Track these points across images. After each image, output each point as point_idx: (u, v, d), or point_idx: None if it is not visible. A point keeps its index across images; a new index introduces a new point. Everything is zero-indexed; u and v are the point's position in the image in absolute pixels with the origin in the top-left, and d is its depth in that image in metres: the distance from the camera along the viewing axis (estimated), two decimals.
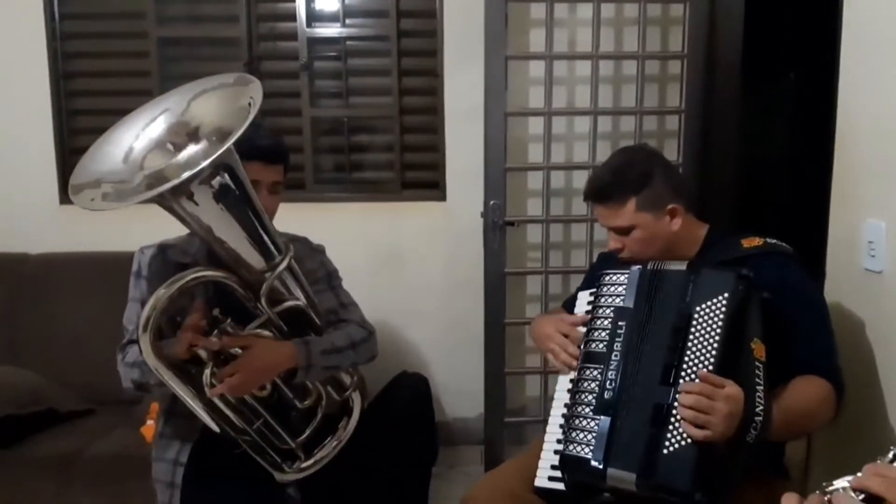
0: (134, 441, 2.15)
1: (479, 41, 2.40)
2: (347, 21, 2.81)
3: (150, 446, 1.76)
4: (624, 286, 1.49)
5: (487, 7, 2.36)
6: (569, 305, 1.73)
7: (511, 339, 2.63)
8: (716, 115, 2.57)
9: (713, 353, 1.31)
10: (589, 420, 1.40)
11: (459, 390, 2.85)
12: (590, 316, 1.53)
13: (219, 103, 1.44)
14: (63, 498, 2.11)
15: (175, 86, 1.50)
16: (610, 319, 1.48)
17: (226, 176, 1.33)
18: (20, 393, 2.27)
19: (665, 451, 1.28)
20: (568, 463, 1.41)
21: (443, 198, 2.84)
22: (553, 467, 1.46)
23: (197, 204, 1.32)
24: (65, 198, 2.80)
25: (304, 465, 1.64)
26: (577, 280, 2.58)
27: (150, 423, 2.13)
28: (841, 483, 0.79)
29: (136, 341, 1.43)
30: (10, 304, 2.58)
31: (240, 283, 1.48)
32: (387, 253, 2.85)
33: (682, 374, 1.31)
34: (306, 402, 1.66)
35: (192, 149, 1.39)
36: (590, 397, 1.42)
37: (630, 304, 1.46)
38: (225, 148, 1.27)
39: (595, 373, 1.44)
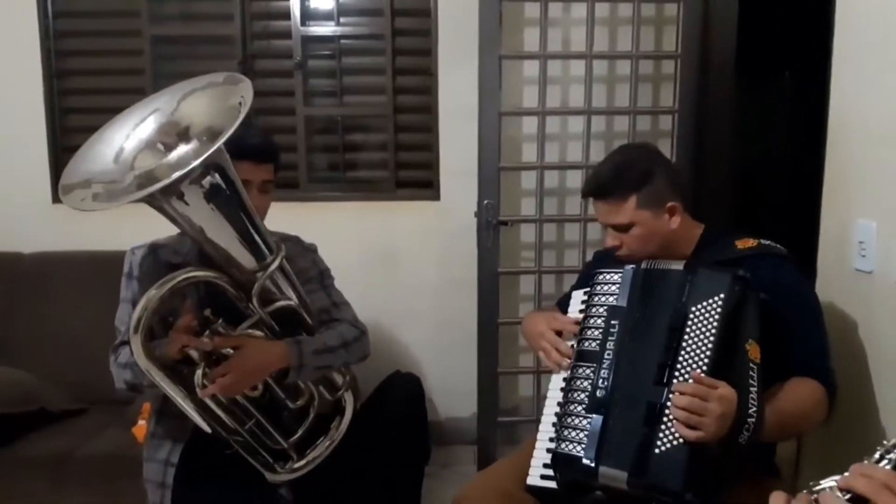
0: (126, 441, 2.16)
1: (474, 40, 2.40)
2: (342, 20, 2.81)
3: (141, 446, 1.76)
4: (617, 285, 1.49)
5: (482, 6, 2.36)
6: (563, 304, 1.73)
7: (504, 339, 2.63)
8: (710, 114, 2.58)
9: (708, 353, 1.31)
10: (581, 418, 1.40)
11: (452, 390, 2.85)
12: (582, 315, 1.53)
13: (209, 103, 1.43)
14: (55, 497, 2.12)
15: (169, 84, 1.50)
16: (603, 318, 1.48)
17: (216, 176, 1.33)
18: (12, 392, 2.27)
19: (657, 451, 1.28)
20: (560, 461, 1.41)
21: (437, 197, 2.84)
22: (545, 466, 1.46)
23: (187, 204, 1.31)
24: (58, 197, 2.77)
25: (296, 465, 1.63)
26: (570, 280, 2.58)
27: (141, 423, 2.13)
28: (828, 483, 0.79)
29: (128, 342, 1.42)
30: (3, 303, 2.58)
31: (231, 283, 1.48)
32: (381, 252, 2.85)
33: (676, 373, 1.32)
34: (298, 402, 1.65)
35: (182, 149, 1.39)
36: (582, 396, 1.42)
37: (623, 304, 1.46)
38: (215, 148, 1.26)
39: (588, 371, 1.44)
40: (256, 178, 1.64)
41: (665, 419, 1.29)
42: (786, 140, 4.19)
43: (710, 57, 2.54)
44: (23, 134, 2.79)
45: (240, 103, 1.32)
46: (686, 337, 1.34)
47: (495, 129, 2.43)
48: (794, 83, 4.20)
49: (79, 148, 1.41)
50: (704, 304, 1.35)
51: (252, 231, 1.45)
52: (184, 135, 1.41)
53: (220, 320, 1.50)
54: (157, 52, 2.80)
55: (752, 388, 1.29)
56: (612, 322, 1.46)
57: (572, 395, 1.44)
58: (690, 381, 1.28)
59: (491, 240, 2.48)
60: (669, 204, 1.52)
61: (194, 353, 1.47)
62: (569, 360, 1.50)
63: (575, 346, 1.51)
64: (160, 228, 1.54)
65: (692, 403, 1.24)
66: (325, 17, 2.81)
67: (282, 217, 1.77)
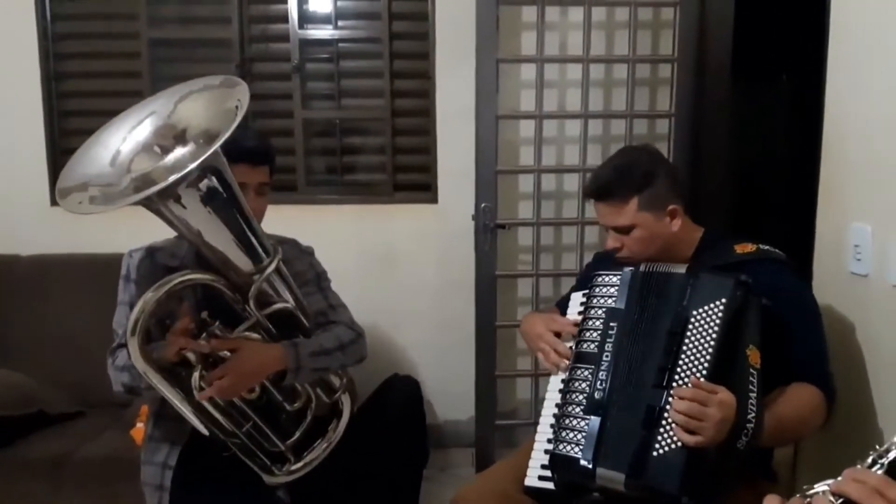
0: (124, 443, 2.16)
1: (471, 44, 2.41)
2: (339, 23, 2.82)
3: (139, 449, 1.76)
4: (616, 287, 1.50)
5: (479, 10, 2.37)
6: (562, 305, 1.73)
7: (502, 342, 2.63)
8: (706, 118, 2.59)
9: (708, 357, 1.31)
10: (579, 420, 1.41)
11: (450, 393, 2.85)
12: (581, 317, 1.53)
13: (205, 105, 1.44)
14: (53, 499, 2.12)
15: (166, 87, 1.50)
16: (602, 320, 1.48)
17: (213, 179, 1.34)
18: (11, 395, 2.27)
19: (655, 454, 1.28)
20: (558, 462, 1.41)
21: (434, 200, 2.84)
22: (543, 467, 1.47)
23: (184, 207, 1.32)
24: (56, 199, 2.79)
25: (293, 467, 1.63)
26: (567, 283, 2.59)
27: (140, 425, 2.13)
28: (821, 487, 0.80)
29: (126, 345, 1.42)
30: (1, 306, 2.58)
31: (228, 286, 1.48)
32: (378, 255, 2.86)
33: (676, 377, 1.32)
34: (296, 405, 1.65)
35: (179, 151, 1.39)
36: (580, 397, 1.43)
37: (622, 306, 1.47)
38: (212, 151, 1.27)
39: (586, 373, 1.45)
40: (253, 180, 1.65)
41: (664, 422, 1.29)
42: (783, 143, 4.20)
43: (706, 60, 2.55)
44: (21, 136, 2.80)
45: (236, 107, 1.33)
46: (687, 341, 1.34)
47: (492, 132, 2.44)
48: (791, 86, 4.21)
49: (76, 150, 1.41)
50: (706, 308, 1.35)
51: (249, 234, 1.45)
52: (180, 138, 1.42)
53: (217, 323, 1.50)
54: (155, 54, 2.80)
55: (751, 394, 1.29)
56: (611, 324, 1.46)
57: (570, 396, 1.45)
58: (690, 385, 1.28)
59: (488, 243, 2.49)
60: (671, 206, 1.53)
61: (191, 356, 1.48)
62: (567, 362, 1.51)
63: (573, 347, 1.52)
64: (157, 231, 1.55)
65: (691, 408, 1.24)
66: (323, 20, 2.82)
67: (280, 220, 1.78)
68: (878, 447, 0.80)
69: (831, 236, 1.72)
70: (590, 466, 1.35)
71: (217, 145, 1.27)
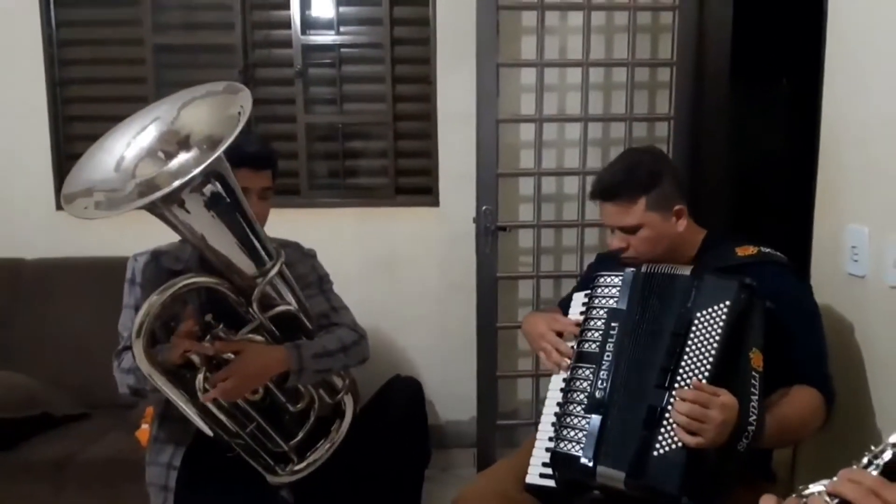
0: (128, 445, 2.17)
1: (472, 49, 2.43)
2: (342, 29, 2.84)
3: (144, 450, 1.77)
4: (618, 288, 1.51)
5: (479, 15, 2.39)
6: (564, 305, 1.74)
7: (503, 343, 2.65)
8: (705, 121, 2.60)
9: (711, 359, 1.32)
10: (580, 419, 1.42)
11: (452, 394, 2.87)
12: (583, 317, 1.54)
13: (209, 111, 1.45)
14: (57, 501, 2.13)
15: (170, 92, 1.52)
16: (603, 320, 1.49)
17: (217, 184, 1.35)
18: (15, 397, 2.29)
19: (656, 453, 1.29)
20: (559, 460, 1.42)
21: (436, 203, 2.86)
22: (544, 465, 1.48)
23: (188, 212, 1.33)
24: (61, 203, 2.81)
25: (297, 467, 1.65)
26: (567, 284, 2.60)
27: (145, 426, 2.15)
28: (817, 487, 0.81)
29: (131, 347, 1.44)
30: (6, 309, 2.60)
31: (232, 289, 1.50)
32: (380, 258, 2.87)
33: (679, 378, 1.33)
34: (299, 406, 1.67)
35: (182, 157, 1.41)
36: (581, 396, 1.44)
37: (623, 306, 1.48)
38: (216, 156, 1.28)
39: (587, 372, 1.46)
40: (255, 185, 1.66)
41: (665, 423, 1.30)
42: (782, 146, 4.20)
43: (705, 64, 2.56)
44: (26, 141, 2.82)
45: (239, 112, 1.35)
46: (690, 342, 1.35)
47: (493, 135, 2.45)
48: (791, 89, 4.21)
49: (81, 155, 1.43)
50: (710, 310, 1.35)
51: (252, 238, 1.47)
52: (184, 143, 1.43)
53: (221, 325, 1.51)
54: (159, 60, 2.83)
55: (753, 397, 1.30)
56: (612, 324, 1.47)
57: (572, 395, 1.46)
58: (692, 387, 1.29)
59: (489, 245, 2.50)
60: (677, 207, 1.54)
61: (196, 358, 1.49)
62: (569, 361, 1.52)
63: (575, 347, 1.53)
64: (161, 235, 1.56)
65: (693, 410, 1.24)
66: (326, 26, 2.84)
67: (283, 223, 1.80)
68: (873, 448, 0.80)
69: (829, 238, 1.74)
70: (590, 465, 1.36)
71: (220, 151, 1.29)
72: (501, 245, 2.57)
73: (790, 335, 1.43)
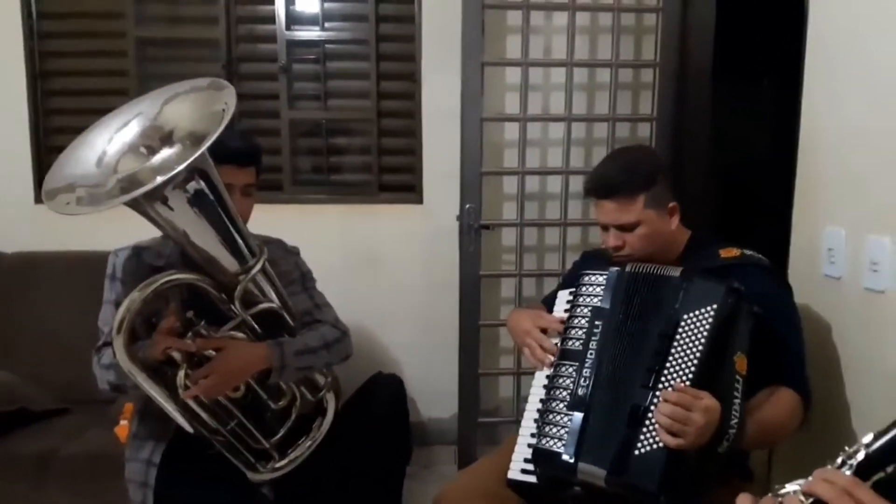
0: (108, 441, 2.15)
1: (457, 47, 2.44)
2: (326, 25, 2.83)
3: (124, 446, 1.76)
4: (602, 287, 1.52)
5: (465, 14, 2.39)
6: (548, 302, 1.74)
7: (485, 341, 2.66)
8: (687, 122, 2.62)
9: (695, 362, 1.33)
10: (562, 415, 1.43)
11: (434, 391, 2.88)
12: (567, 315, 1.55)
13: (192, 107, 1.45)
14: (37, 497, 2.12)
15: (153, 86, 1.51)
16: (587, 318, 1.50)
17: (200, 181, 1.35)
18: None
19: (637, 452, 1.31)
20: (540, 456, 1.43)
21: (419, 201, 2.87)
22: (526, 460, 1.49)
23: (171, 209, 1.33)
24: (40, 197, 2.77)
25: (278, 464, 1.65)
26: (550, 283, 2.63)
27: (123, 423, 2.13)
28: (792, 487, 0.82)
29: (111, 343, 1.43)
30: None
31: (214, 286, 1.49)
32: (364, 254, 2.87)
33: (663, 378, 1.34)
34: (280, 403, 1.67)
35: (165, 152, 1.40)
36: (564, 393, 1.45)
37: (607, 305, 1.49)
38: (199, 153, 1.28)
39: (570, 370, 1.47)
40: (239, 181, 1.65)
41: (647, 422, 1.31)
42: (763, 146, 4.25)
43: (687, 65, 2.58)
44: (6, 134, 2.79)
45: (223, 109, 1.34)
46: (676, 344, 1.35)
47: (477, 134, 2.46)
48: (771, 90, 4.26)
49: (62, 148, 1.42)
50: (696, 312, 1.36)
51: (235, 234, 1.47)
52: (167, 139, 1.43)
53: (203, 322, 1.51)
54: (141, 54, 2.80)
55: (735, 400, 1.31)
56: (596, 322, 1.48)
57: (554, 392, 1.47)
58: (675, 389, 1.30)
59: (473, 243, 2.51)
60: (671, 204, 1.55)
61: (177, 355, 1.49)
62: (552, 358, 1.53)
63: (559, 344, 1.53)
64: (142, 230, 1.55)
65: (675, 412, 1.25)
66: (310, 21, 2.83)
67: (266, 219, 1.79)
68: (847, 448, 0.81)
69: (806, 239, 1.76)
70: (572, 461, 1.37)
71: (204, 147, 1.28)
72: (484, 243, 2.57)
73: (771, 337, 1.44)
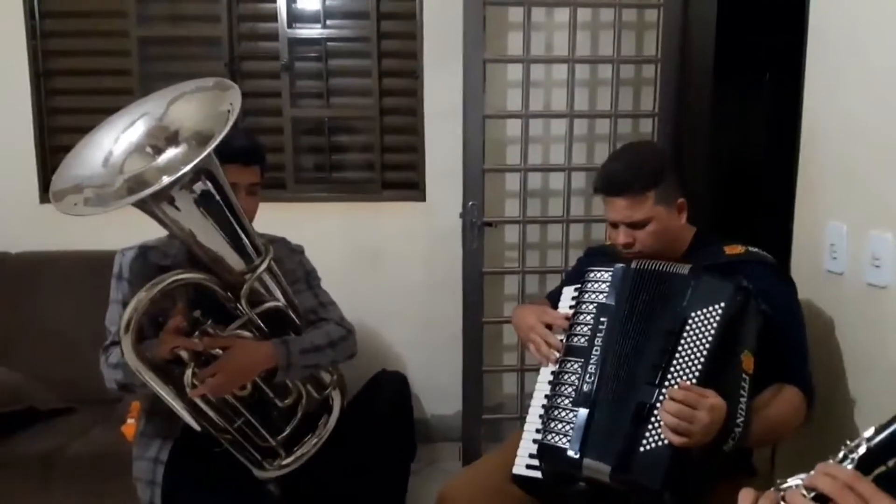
0: (114, 439, 2.17)
1: (458, 44, 2.44)
2: (328, 22, 2.83)
3: (130, 445, 1.77)
4: (607, 283, 1.52)
5: (466, 10, 2.40)
6: (553, 297, 1.75)
7: (488, 338, 2.67)
8: (689, 117, 2.62)
9: (702, 360, 1.33)
10: (568, 411, 1.43)
11: (437, 388, 2.89)
12: (572, 311, 1.56)
13: (198, 107, 1.45)
14: (43, 496, 2.13)
15: (156, 85, 1.51)
16: (592, 315, 1.50)
17: (207, 181, 1.35)
18: (0, 391, 2.27)
19: (642, 449, 1.31)
20: (546, 452, 1.44)
21: (422, 198, 2.87)
22: (531, 456, 1.49)
23: (178, 209, 1.33)
24: (45, 196, 2.80)
25: (284, 462, 1.65)
26: (552, 279, 2.63)
27: (130, 421, 2.15)
28: (794, 481, 0.82)
29: (119, 343, 1.44)
30: None
31: (220, 285, 1.50)
32: (367, 252, 2.88)
33: (670, 376, 1.34)
34: (287, 401, 1.67)
35: (171, 152, 1.40)
36: (569, 389, 1.45)
37: (612, 302, 1.49)
38: (206, 153, 1.28)
39: (575, 366, 1.47)
40: (244, 180, 1.66)
41: (653, 419, 1.32)
42: (764, 142, 4.25)
43: (689, 61, 2.59)
44: (9, 134, 2.80)
45: (228, 110, 1.34)
46: (683, 341, 1.35)
47: (479, 131, 2.47)
48: (772, 86, 4.26)
49: (66, 148, 1.43)
50: (705, 310, 1.36)
51: (241, 234, 1.47)
52: (173, 139, 1.43)
53: (210, 321, 1.52)
54: (144, 52, 2.81)
55: (741, 399, 1.31)
56: (601, 319, 1.48)
57: (560, 388, 1.47)
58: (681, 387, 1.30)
59: (475, 240, 2.52)
60: (679, 200, 1.55)
61: (184, 354, 1.49)
62: (558, 354, 1.53)
63: (564, 340, 1.54)
64: (148, 229, 1.56)
65: (681, 411, 1.25)
66: (312, 19, 2.83)
67: (269, 217, 1.79)
68: (848, 442, 0.82)
69: (808, 235, 1.77)
70: (577, 457, 1.38)
71: (211, 147, 1.29)
72: (487, 240, 2.58)
73: (775, 334, 1.44)
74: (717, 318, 1.35)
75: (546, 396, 1.52)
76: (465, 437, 2.64)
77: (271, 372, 1.59)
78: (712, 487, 1.35)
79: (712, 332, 1.34)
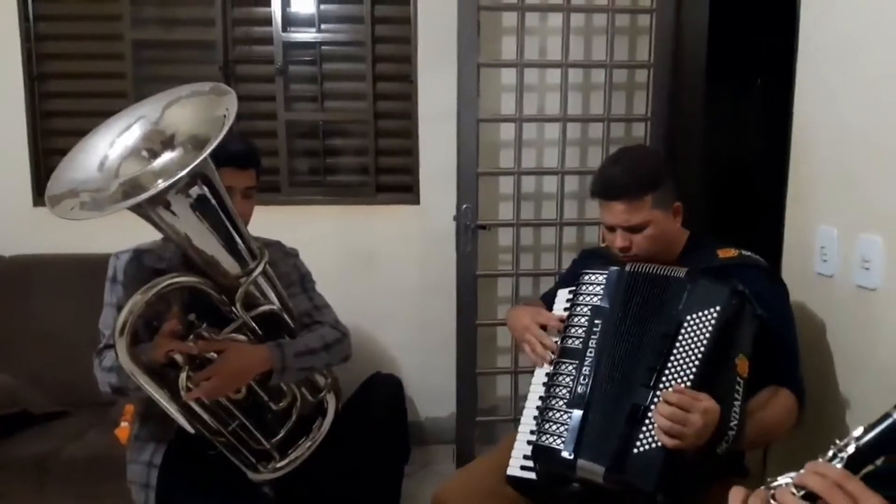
0: (108, 443, 2.15)
1: (452, 48, 2.45)
2: (323, 26, 2.84)
3: (124, 448, 1.77)
4: (602, 286, 1.53)
5: (460, 15, 2.41)
6: (547, 298, 1.76)
7: (482, 340, 2.68)
8: (681, 121, 2.64)
9: (697, 363, 1.33)
10: (562, 413, 1.44)
11: (431, 390, 2.90)
12: (567, 313, 1.56)
13: (194, 111, 1.45)
14: (38, 499, 2.13)
15: (150, 88, 1.52)
16: (587, 317, 1.51)
17: (202, 186, 1.35)
18: None
19: (636, 451, 1.32)
20: (540, 453, 1.45)
21: (416, 201, 2.88)
22: (526, 457, 1.50)
23: (174, 213, 1.34)
24: (39, 199, 2.80)
25: (278, 465, 1.65)
26: (546, 282, 2.64)
27: (124, 424, 2.13)
28: (784, 479, 0.83)
29: (113, 346, 1.43)
30: None
31: (215, 289, 1.50)
32: (361, 255, 2.89)
33: (664, 378, 1.35)
34: (281, 404, 1.68)
35: (167, 156, 1.41)
36: (563, 391, 1.46)
37: (606, 304, 1.50)
38: (202, 158, 1.28)
39: (570, 368, 1.48)
40: (239, 184, 1.67)
41: (647, 421, 1.32)
42: (757, 146, 4.27)
43: (681, 65, 2.60)
44: (3, 137, 2.79)
45: (224, 115, 1.35)
46: (678, 344, 1.36)
47: (473, 134, 2.48)
48: (765, 90, 4.28)
49: (60, 151, 1.44)
50: (700, 314, 1.37)
51: (236, 237, 1.48)
52: (168, 143, 1.43)
53: (205, 325, 1.52)
54: (138, 56, 2.81)
55: (735, 402, 1.32)
56: (596, 321, 1.49)
57: (554, 389, 1.48)
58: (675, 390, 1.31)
59: (469, 243, 2.53)
60: (676, 204, 1.56)
61: (179, 357, 1.49)
62: (552, 355, 1.54)
63: (558, 342, 1.54)
64: (141, 232, 1.56)
65: (675, 414, 1.26)
66: (307, 23, 2.84)
67: (263, 221, 1.80)
68: (838, 441, 0.83)
69: (799, 238, 1.78)
70: (571, 458, 1.39)
71: (207, 152, 1.29)
72: (481, 243, 2.59)
73: (768, 337, 1.44)
74: (713, 321, 1.35)
75: (540, 398, 1.52)
76: (459, 440, 2.65)
77: (266, 375, 1.59)
78: (705, 489, 1.36)
79: (707, 335, 1.35)
